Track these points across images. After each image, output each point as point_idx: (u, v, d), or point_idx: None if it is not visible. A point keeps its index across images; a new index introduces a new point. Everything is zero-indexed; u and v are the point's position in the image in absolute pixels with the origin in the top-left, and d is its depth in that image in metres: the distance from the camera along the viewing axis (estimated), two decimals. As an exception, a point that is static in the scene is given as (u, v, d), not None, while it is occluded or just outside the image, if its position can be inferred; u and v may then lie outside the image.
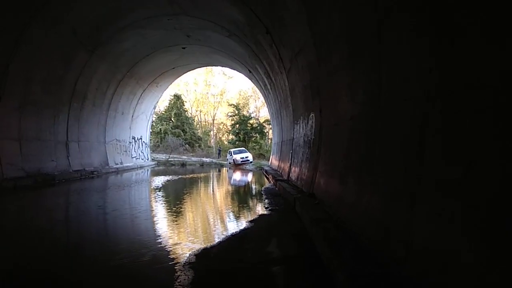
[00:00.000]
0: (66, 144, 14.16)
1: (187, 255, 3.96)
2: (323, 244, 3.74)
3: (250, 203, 8.84)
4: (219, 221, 6.44)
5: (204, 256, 3.93)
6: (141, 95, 22.44)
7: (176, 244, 4.54)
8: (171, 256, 3.98)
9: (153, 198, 9.68)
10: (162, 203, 8.77)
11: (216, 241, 4.61)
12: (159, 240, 4.75)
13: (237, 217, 6.62)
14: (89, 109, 16.14)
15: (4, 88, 10.21)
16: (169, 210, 7.53)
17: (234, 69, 22.06)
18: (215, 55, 19.46)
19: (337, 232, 3.97)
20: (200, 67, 24.38)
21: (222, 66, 23.21)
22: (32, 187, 10.88)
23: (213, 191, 11.76)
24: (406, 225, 2.62)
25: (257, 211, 7.19)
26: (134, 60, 17.90)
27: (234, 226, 5.81)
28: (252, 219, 6.12)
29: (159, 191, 11.12)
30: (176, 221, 6.34)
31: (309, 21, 6.68)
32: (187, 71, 24.88)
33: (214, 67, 24.58)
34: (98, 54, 14.51)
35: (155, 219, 6.54)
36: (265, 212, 6.72)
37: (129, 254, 4.04)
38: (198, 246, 4.36)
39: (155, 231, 5.55)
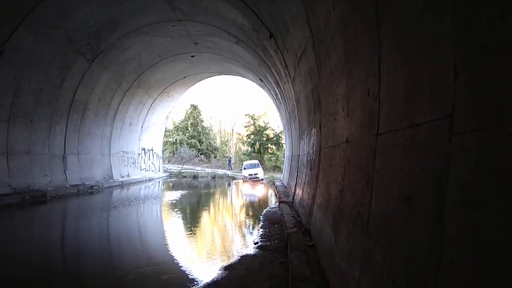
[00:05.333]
0: (63, 158, 13.40)
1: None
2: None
3: (239, 236, 7.66)
4: (185, 268, 4.95)
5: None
6: (151, 105, 21.75)
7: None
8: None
9: (121, 224, 8.80)
10: (127, 231, 7.93)
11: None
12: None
13: (211, 259, 5.38)
14: (91, 120, 15.40)
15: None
16: (132, 243, 6.54)
17: (246, 78, 21.03)
18: (226, 63, 18.62)
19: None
20: (212, 76, 23.41)
21: (234, 75, 22.21)
22: (18, 205, 10.02)
23: (206, 215, 10.50)
24: None
25: (241, 249, 5.89)
26: (140, 69, 17.18)
27: (198, 275, 4.50)
28: (228, 264, 4.87)
29: (143, 214, 10.45)
30: (127, 263, 5.25)
31: (307, 19, 5.51)
32: (200, 80, 24.02)
33: (229, 76, 23.52)
34: (99, 63, 13.81)
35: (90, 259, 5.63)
36: (251, 252, 5.46)
37: None
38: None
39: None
